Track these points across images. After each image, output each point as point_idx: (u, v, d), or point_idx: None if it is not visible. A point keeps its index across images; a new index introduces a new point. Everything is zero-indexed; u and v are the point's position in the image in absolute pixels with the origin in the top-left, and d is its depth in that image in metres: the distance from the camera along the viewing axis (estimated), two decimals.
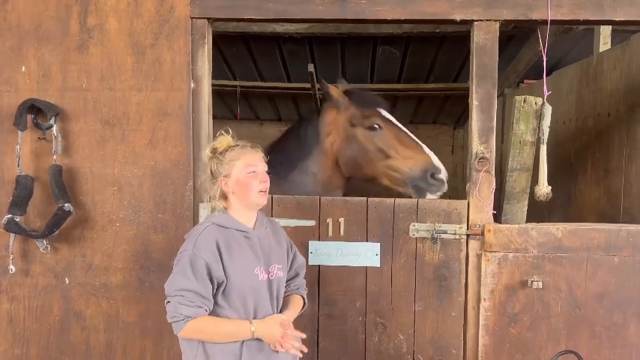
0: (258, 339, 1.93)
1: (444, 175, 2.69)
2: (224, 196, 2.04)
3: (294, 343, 1.97)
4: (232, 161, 1.99)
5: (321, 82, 3.02)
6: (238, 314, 1.93)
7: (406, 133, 2.78)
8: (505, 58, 4.34)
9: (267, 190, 2.03)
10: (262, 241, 2.05)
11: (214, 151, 2.04)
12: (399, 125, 2.81)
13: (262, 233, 2.07)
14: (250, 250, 1.99)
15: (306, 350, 2.02)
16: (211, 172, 2.03)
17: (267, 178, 2.03)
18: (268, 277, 2.00)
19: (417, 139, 2.77)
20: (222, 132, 2.09)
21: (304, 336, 2.05)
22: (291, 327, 2.00)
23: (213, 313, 1.92)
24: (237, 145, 2.03)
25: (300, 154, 3.05)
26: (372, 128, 2.79)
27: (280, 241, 2.15)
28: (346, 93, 3.12)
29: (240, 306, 1.93)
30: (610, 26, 3.74)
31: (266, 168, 2.05)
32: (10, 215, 2.54)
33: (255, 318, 1.95)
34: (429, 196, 2.71)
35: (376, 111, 2.84)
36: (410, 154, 2.73)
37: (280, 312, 2.09)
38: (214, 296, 1.92)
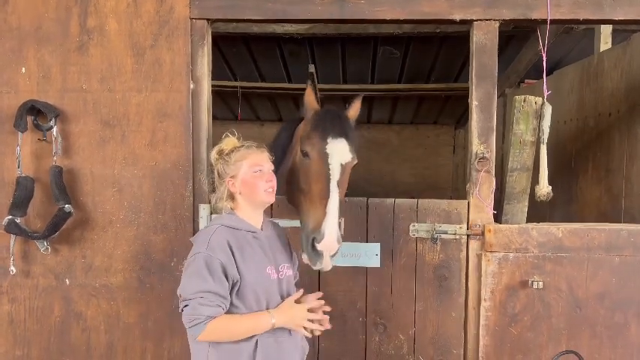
0: (271, 336, 1.94)
1: (323, 246, 2.02)
2: (231, 197, 2.05)
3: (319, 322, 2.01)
4: (238, 162, 2.01)
5: (313, 82, 2.67)
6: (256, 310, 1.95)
7: (329, 178, 2.16)
8: (505, 58, 4.34)
9: (275, 189, 2.04)
10: (270, 241, 2.07)
11: (221, 152, 2.06)
12: (332, 167, 2.18)
13: (269, 234, 2.10)
14: (260, 250, 2.00)
15: (329, 327, 2.07)
16: (218, 173, 2.05)
17: (273, 177, 2.04)
18: (278, 277, 2.02)
19: (333, 190, 2.13)
20: (228, 133, 2.10)
21: (322, 302, 2.08)
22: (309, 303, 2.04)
23: (228, 313, 1.91)
24: (243, 146, 2.05)
25: (279, 157, 2.63)
26: (303, 153, 2.26)
27: (284, 242, 2.19)
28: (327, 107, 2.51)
29: (255, 305, 1.94)
30: (610, 26, 3.74)
31: (272, 167, 2.07)
32: (10, 216, 2.55)
33: None
34: (304, 257, 2.14)
35: (317, 138, 2.24)
36: (316, 200, 2.13)
37: None
38: (232, 299, 1.92)
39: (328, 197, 2.11)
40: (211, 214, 2.55)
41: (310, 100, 2.47)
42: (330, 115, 2.33)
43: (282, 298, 2.03)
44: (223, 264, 1.86)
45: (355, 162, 2.29)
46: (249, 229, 2.01)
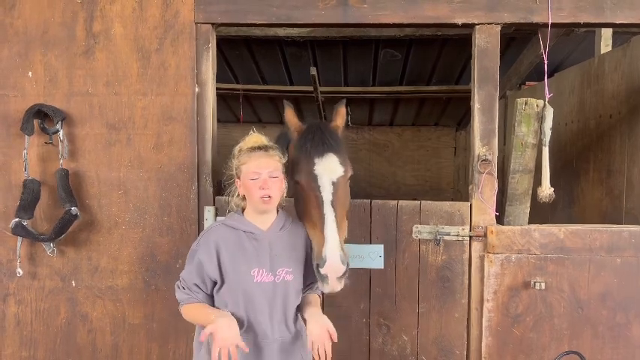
0: (251, 337, 1.96)
1: (327, 271, 1.98)
2: (243, 196, 2.07)
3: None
4: (241, 165, 2.02)
5: (285, 104, 2.39)
6: (233, 311, 1.96)
7: (321, 201, 2.09)
8: (507, 61, 4.37)
9: (273, 196, 1.99)
10: (273, 243, 2.04)
11: (239, 150, 2.06)
12: (323, 189, 2.10)
13: (275, 235, 2.06)
14: (254, 251, 2.01)
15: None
16: (234, 170, 2.08)
17: (270, 184, 1.97)
18: (274, 280, 2.01)
19: (328, 213, 2.06)
20: (252, 131, 2.11)
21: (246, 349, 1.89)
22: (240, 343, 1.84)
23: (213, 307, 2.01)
24: (253, 148, 2.03)
25: None
26: (295, 181, 2.19)
27: (297, 245, 2.11)
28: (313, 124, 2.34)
29: (232, 304, 1.97)
30: (611, 29, 3.76)
31: (274, 173, 1.99)
32: (17, 219, 2.57)
33: (249, 319, 1.98)
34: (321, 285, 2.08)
35: (303, 162, 2.16)
36: (315, 225, 2.10)
37: (299, 312, 2.12)
38: (213, 293, 2.02)
39: (324, 220, 2.05)
40: (216, 215, 2.57)
41: (290, 120, 2.35)
42: (312, 134, 2.20)
43: (275, 302, 2.01)
44: (201, 263, 1.99)
45: (350, 174, 2.19)
46: (249, 229, 2.02)
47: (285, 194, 2.11)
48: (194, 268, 2.00)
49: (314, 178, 2.12)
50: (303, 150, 2.17)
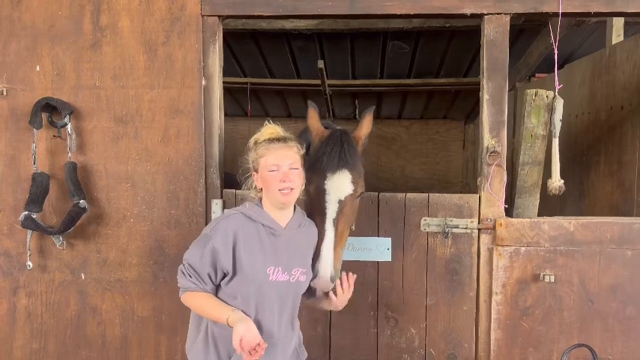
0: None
1: (316, 284, 2.10)
2: (261, 189, 2.03)
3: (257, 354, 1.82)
4: (259, 158, 1.98)
5: (309, 105, 2.33)
6: (241, 307, 1.92)
7: (325, 216, 2.11)
8: (516, 52, 4.32)
9: (295, 187, 1.95)
10: (290, 241, 2.01)
11: (255, 142, 2.02)
12: (328, 205, 2.11)
13: (293, 234, 2.03)
14: (271, 247, 1.96)
15: None
16: (251, 163, 2.04)
17: (290, 176, 1.93)
18: (289, 280, 1.98)
19: (328, 229, 2.10)
20: (267, 122, 2.07)
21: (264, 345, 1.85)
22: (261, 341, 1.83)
23: (221, 299, 1.95)
24: (271, 140, 1.99)
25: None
26: (306, 189, 2.15)
27: (311, 245, 2.10)
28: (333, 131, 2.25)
29: (243, 300, 1.92)
30: (622, 18, 3.70)
31: (294, 165, 1.96)
32: (26, 212, 2.60)
33: (256, 316, 1.93)
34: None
35: (317, 174, 2.12)
36: (320, 233, 2.13)
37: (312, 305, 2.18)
38: (221, 284, 1.95)
39: (323, 234, 2.09)
40: (224, 208, 2.58)
41: (313, 124, 2.28)
42: (331, 146, 2.13)
43: (286, 302, 1.99)
44: (216, 251, 1.90)
45: (360, 191, 2.17)
46: (269, 224, 1.97)
47: (303, 187, 2.07)
48: (207, 255, 1.90)
49: (323, 192, 2.12)
50: (319, 161, 2.13)
